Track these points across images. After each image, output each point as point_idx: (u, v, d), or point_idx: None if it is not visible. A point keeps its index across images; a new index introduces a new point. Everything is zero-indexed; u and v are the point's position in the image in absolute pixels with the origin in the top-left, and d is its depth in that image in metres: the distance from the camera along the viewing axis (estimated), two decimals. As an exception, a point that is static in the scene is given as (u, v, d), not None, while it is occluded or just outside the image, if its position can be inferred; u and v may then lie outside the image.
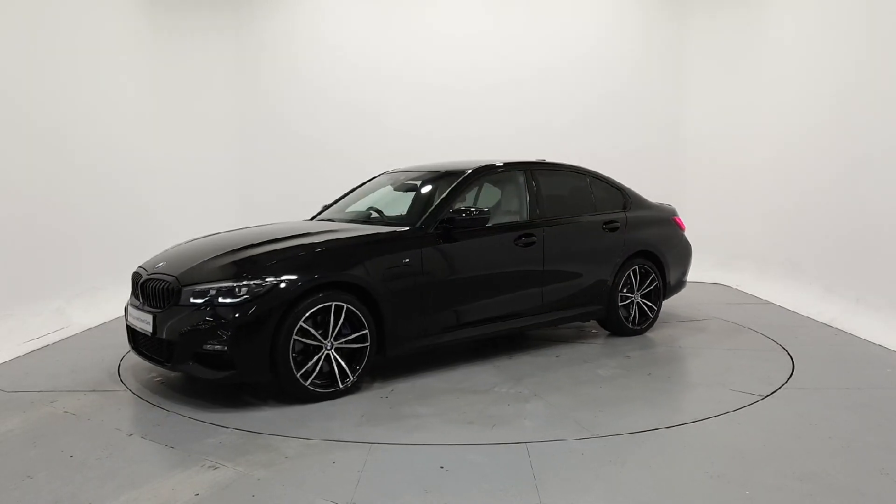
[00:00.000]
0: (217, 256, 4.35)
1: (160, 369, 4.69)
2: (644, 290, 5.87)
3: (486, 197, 5.57)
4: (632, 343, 5.63)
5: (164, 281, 4.26)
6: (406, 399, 4.25)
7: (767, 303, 7.18)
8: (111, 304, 6.76)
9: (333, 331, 4.16)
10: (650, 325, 5.97)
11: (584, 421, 3.82)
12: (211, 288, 4.03)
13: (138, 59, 7.97)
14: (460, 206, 4.91)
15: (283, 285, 4.01)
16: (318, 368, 4.12)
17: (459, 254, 4.79)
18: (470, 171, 5.17)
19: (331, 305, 4.12)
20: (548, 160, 5.78)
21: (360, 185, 6.06)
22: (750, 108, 8.37)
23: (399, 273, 4.46)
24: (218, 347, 3.93)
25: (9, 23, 5.71)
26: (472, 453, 3.39)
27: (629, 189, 6.08)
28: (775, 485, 3.02)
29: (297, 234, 4.64)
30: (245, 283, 4.00)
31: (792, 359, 5.07)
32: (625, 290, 5.74)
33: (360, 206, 5.58)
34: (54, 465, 3.29)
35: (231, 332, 3.91)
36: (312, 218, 5.77)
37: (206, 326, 3.95)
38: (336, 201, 5.95)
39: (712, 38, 9.08)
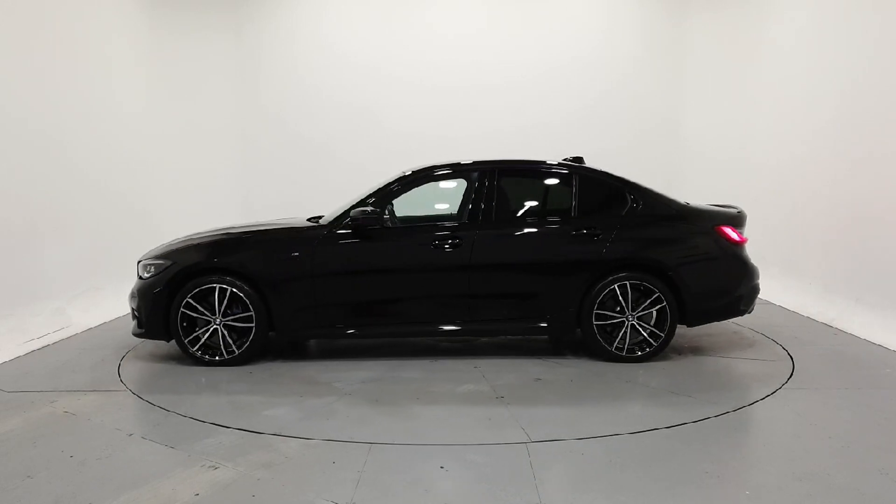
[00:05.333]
0: (172, 242, 5.28)
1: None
2: (644, 310, 4.93)
3: (444, 197, 5.50)
4: (585, 367, 4.85)
5: None
6: (257, 378, 4.72)
7: (767, 303, 7.18)
8: (111, 303, 6.76)
9: (220, 309, 4.87)
10: (652, 354, 4.95)
11: (316, 426, 3.76)
12: (146, 264, 5.06)
13: (137, 60, 7.97)
14: (367, 206, 4.97)
15: (171, 267, 4.92)
16: (204, 338, 4.92)
17: (363, 252, 4.95)
18: (404, 174, 5.21)
19: (215, 287, 4.85)
20: (585, 160, 5.53)
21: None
22: (750, 108, 8.37)
23: (287, 265, 4.92)
24: (136, 311, 5.03)
25: (7, 25, 5.71)
26: (472, 453, 3.39)
27: (648, 191, 5.13)
28: (775, 485, 3.02)
29: (238, 227, 5.43)
30: (153, 262, 5.02)
31: (792, 359, 5.06)
32: (618, 309, 4.93)
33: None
34: (54, 465, 3.29)
35: (140, 299, 4.98)
36: None
37: (134, 293, 5.06)
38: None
39: (713, 36, 9.08)
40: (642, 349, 4.96)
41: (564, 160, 5.49)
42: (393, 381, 4.63)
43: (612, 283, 4.91)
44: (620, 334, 4.94)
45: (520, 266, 4.99)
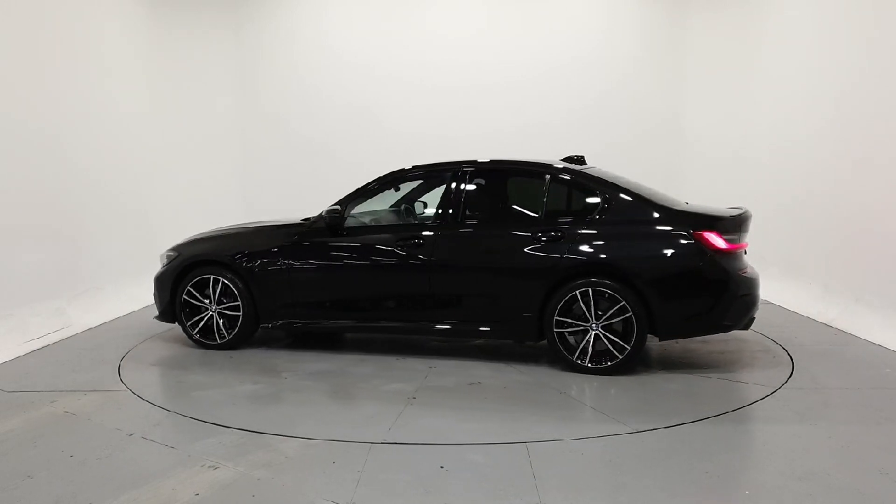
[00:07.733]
0: (197, 234, 5.77)
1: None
2: (608, 319, 4.58)
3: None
4: (536, 375, 4.67)
5: None
6: (232, 363, 5.09)
7: (767, 302, 7.16)
8: (112, 303, 6.76)
9: (214, 298, 5.37)
10: (619, 367, 4.58)
11: (218, 411, 4.04)
12: (164, 254, 5.65)
13: (137, 60, 7.96)
14: (336, 206, 5.20)
15: (177, 259, 5.49)
16: (201, 323, 5.41)
17: (331, 250, 5.21)
18: (382, 175, 5.36)
19: (209, 278, 5.34)
20: (586, 159, 5.49)
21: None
22: (750, 108, 8.37)
23: (267, 259, 5.29)
24: (154, 296, 5.66)
25: (7, 25, 5.71)
26: (472, 453, 3.40)
27: (626, 192, 4.80)
28: (775, 485, 3.02)
29: (238, 225, 5.93)
30: (168, 253, 5.60)
31: (792, 359, 5.06)
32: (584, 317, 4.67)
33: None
34: (54, 465, 3.29)
35: (155, 286, 5.60)
36: None
37: (154, 280, 5.62)
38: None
39: (713, 36, 9.07)
40: (612, 360, 4.61)
41: (565, 159, 5.46)
42: (339, 375, 4.78)
43: (574, 289, 4.62)
44: (582, 344, 4.66)
45: (477, 268, 4.95)
